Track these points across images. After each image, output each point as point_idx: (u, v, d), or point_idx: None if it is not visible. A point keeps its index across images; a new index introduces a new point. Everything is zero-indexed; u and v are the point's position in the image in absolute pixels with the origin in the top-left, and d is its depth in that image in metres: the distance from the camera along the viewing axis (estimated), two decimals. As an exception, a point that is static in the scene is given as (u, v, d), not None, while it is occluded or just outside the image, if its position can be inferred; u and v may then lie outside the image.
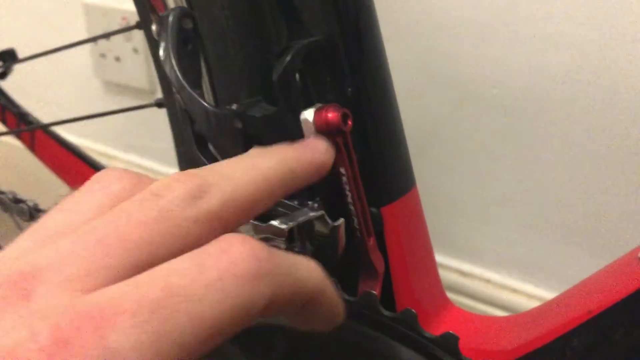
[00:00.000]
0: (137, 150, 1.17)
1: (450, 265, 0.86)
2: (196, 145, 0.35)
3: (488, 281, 0.86)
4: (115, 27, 1.05)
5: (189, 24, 0.35)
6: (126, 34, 1.04)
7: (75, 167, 0.64)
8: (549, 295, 0.81)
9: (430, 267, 0.40)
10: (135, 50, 1.05)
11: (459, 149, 0.80)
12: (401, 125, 0.38)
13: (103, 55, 1.09)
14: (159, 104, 0.45)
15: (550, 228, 0.78)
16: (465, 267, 0.87)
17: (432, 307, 0.39)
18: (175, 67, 0.34)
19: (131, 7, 1.10)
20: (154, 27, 0.36)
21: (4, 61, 0.70)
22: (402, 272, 0.38)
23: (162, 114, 1.12)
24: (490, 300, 0.86)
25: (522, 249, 0.81)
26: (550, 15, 0.68)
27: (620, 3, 0.64)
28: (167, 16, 0.35)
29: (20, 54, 0.74)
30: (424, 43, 0.76)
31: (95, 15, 1.08)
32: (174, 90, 0.34)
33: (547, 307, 0.36)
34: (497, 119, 0.76)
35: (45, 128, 0.60)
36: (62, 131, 0.72)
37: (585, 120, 0.70)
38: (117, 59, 1.08)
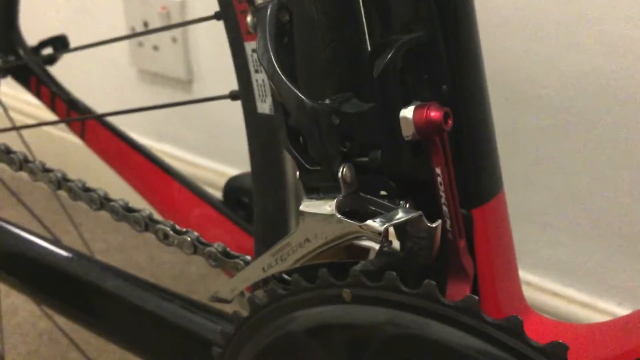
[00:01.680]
0: (170, 140, 1.16)
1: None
2: (289, 139, 0.34)
3: (529, 284, 0.85)
4: (154, 17, 1.05)
5: (285, 17, 0.35)
6: (164, 22, 1.04)
7: (127, 156, 0.64)
8: (590, 300, 0.80)
9: (514, 273, 0.39)
10: (174, 40, 1.04)
11: (507, 149, 0.78)
12: (493, 126, 0.37)
13: (141, 44, 1.08)
14: (233, 96, 0.44)
15: (596, 232, 0.77)
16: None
17: (517, 313, 0.38)
18: (274, 60, 0.33)
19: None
20: (249, 19, 0.35)
21: (55, 48, 0.70)
22: (489, 277, 0.37)
23: (197, 105, 1.11)
24: (531, 303, 0.85)
25: (565, 252, 0.80)
26: (606, 17, 0.67)
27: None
28: (265, 8, 0.34)
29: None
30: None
31: (133, 3, 1.07)
32: (271, 82, 0.34)
33: (631, 320, 0.35)
34: (546, 120, 0.75)
35: (99, 118, 0.59)
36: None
37: (638, 124, 0.69)
38: (155, 48, 1.07)
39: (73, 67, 1.20)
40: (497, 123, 0.78)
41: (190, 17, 1.03)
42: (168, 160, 1.18)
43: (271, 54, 0.34)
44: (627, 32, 0.66)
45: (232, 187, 0.61)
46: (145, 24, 1.06)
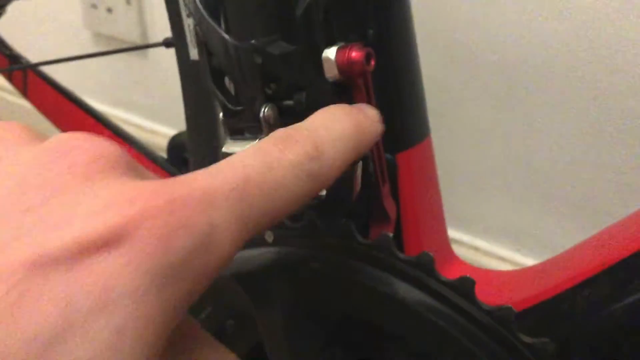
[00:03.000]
0: (124, 105, 1.15)
1: (440, 232, 0.87)
2: (212, 78, 0.34)
3: (476, 249, 0.87)
4: (109, -23, 1.03)
5: (210, -46, 0.34)
6: (120, -16, 1.02)
7: (69, 110, 0.63)
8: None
9: (439, 218, 0.40)
10: (128, 2, 1.02)
11: (453, 114, 0.79)
12: (420, 71, 0.38)
13: (94, 6, 1.06)
14: (167, 44, 0.43)
15: (542, 198, 0.78)
16: (454, 234, 0.87)
17: (440, 256, 0.39)
18: (196, -2, 0.33)
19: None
20: (172, -44, 0.35)
21: (-2, 1, 0.68)
22: (413, 221, 0.37)
23: (151, 69, 1.10)
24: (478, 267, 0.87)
25: (512, 217, 0.82)
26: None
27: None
28: (188, -56, 0.33)
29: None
30: (425, 7, 0.75)
31: (87, -37, 1.04)
32: (194, 21, 0.33)
33: (556, 261, 0.36)
34: (494, 86, 0.76)
35: (34, 67, 0.58)
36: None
37: (582, 91, 0.70)
38: (109, 10, 1.05)
39: (26, 30, 1.17)
40: (448, 87, 0.79)
41: (144, -22, 1.02)
42: (124, 126, 1.17)
43: (193, -9, 0.33)
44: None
45: (175, 144, 0.60)
46: (99, -15, 1.04)
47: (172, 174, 0.60)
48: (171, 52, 1.08)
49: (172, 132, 1.16)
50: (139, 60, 1.08)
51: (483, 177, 0.81)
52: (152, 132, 1.12)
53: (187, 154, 0.59)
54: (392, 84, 0.36)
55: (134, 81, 1.11)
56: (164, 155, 0.64)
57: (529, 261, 0.83)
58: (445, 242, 0.40)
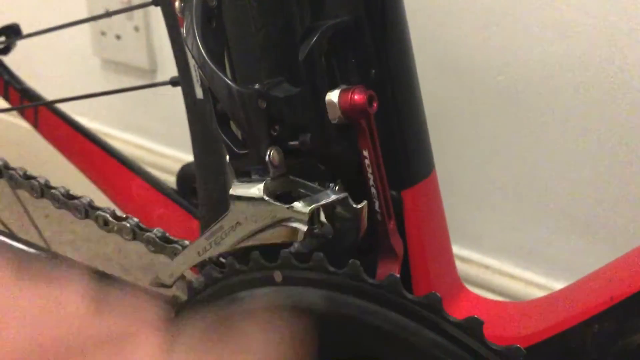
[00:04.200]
0: (134, 129, 1.16)
1: (451, 251, 0.87)
2: (218, 123, 0.35)
3: (487, 267, 0.86)
4: (116, 4, 1.04)
5: (213, 2, 0.35)
6: (128, 12, 1.03)
7: (80, 144, 0.64)
8: (547, 282, 0.82)
9: (446, 252, 0.40)
10: (137, 29, 1.04)
11: (463, 135, 0.80)
12: (423, 108, 0.38)
13: (103, 33, 1.07)
14: (173, 83, 0.44)
15: (552, 216, 0.78)
16: (465, 252, 0.87)
17: (448, 291, 0.39)
18: (200, 45, 0.34)
19: (133, -15, 1.07)
20: (177, 4, 0.35)
21: (7, 36, 0.69)
22: (420, 256, 0.38)
23: (160, 94, 1.11)
24: (489, 286, 0.87)
25: (523, 236, 0.82)
26: (558, 3, 0.68)
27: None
28: (192, -8, 0.34)
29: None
30: (429, 28, 0.75)
31: (95, -9, 1.06)
32: (198, 68, 0.34)
33: (565, 293, 0.36)
34: (502, 106, 0.76)
35: (49, 105, 0.59)
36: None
37: (590, 109, 0.70)
38: (118, 37, 1.06)
39: (35, 57, 1.19)
40: (457, 109, 0.79)
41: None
42: (132, 150, 1.18)
43: (198, 38, 0.34)
44: (578, 18, 0.67)
45: (184, 175, 0.61)
46: (107, 11, 1.05)
47: (181, 205, 0.60)
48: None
49: (180, 154, 1.18)
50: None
51: (492, 195, 0.81)
52: (162, 155, 1.13)
53: (194, 184, 0.60)
54: (395, 123, 0.36)
55: (143, 106, 1.12)
56: (172, 183, 0.64)
57: (540, 279, 0.83)
58: (453, 275, 0.41)
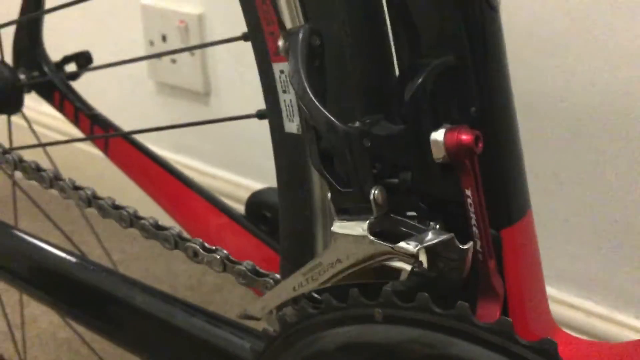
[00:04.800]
0: (186, 150, 1.17)
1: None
2: (321, 161, 0.35)
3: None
4: (173, 30, 1.06)
5: (317, 41, 0.35)
6: (184, 36, 1.05)
7: (151, 171, 0.65)
8: (609, 313, 0.80)
9: (542, 292, 0.39)
10: (192, 53, 1.05)
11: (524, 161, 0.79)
12: (521, 146, 0.38)
13: (159, 57, 1.10)
14: (260, 115, 0.45)
15: (613, 245, 0.77)
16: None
17: (546, 333, 0.38)
18: (305, 84, 0.34)
19: (189, 10, 1.10)
20: (280, 43, 0.36)
21: (78, 64, 0.71)
22: (518, 297, 0.37)
23: (213, 115, 1.12)
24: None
25: (583, 265, 0.80)
26: (627, 30, 0.67)
27: None
28: (297, 33, 0.35)
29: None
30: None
31: (152, 17, 1.08)
32: (303, 105, 0.34)
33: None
34: (564, 134, 0.75)
35: (126, 136, 0.60)
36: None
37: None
38: (173, 61, 1.08)
39: (92, 79, 1.22)
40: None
41: (208, 30, 1.04)
42: (186, 172, 1.20)
43: (303, 77, 0.34)
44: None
45: (255, 201, 0.61)
46: (164, 38, 1.07)
47: (249, 230, 0.61)
48: (231, 100, 1.10)
49: (231, 176, 1.19)
50: (201, 107, 1.11)
51: (554, 223, 0.80)
52: (213, 176, 1.14)
53: (266, 212, 0.60)
54: (496, 161, 0.36)
55: (194, 128, 1.14)
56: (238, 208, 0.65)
57: (600, 309, 0.81)
58: (548, 315, 0.40)
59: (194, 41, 1.04)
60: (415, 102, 0.34)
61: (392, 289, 0.36)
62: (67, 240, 0.70)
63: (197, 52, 1.05)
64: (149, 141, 1.21)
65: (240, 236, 0.60)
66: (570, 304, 0.83)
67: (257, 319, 0.41)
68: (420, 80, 0.34)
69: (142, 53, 1.11)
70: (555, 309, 0.84)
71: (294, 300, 0.40)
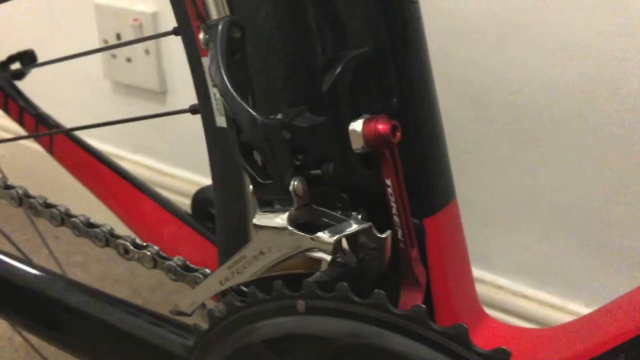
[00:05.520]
0: (144, 150, 1.16)
1: (463, 272, 0.86)
2: (242, 154, 0.35)
3: (500, 287, 0.86)
4: (127, 28, 1.05)
5: (237, 34, 0.35)
6: (137, 34, 1.04)
7: (95, 169, 0.64)
8: (561, 302, 0.82)
9: (468, 280, 0.40)
10: (147, 52, 1.05)
11: (473, 154, 0.80)
12: (444, 135, 0.38)
13: (114, 56, 1.08)
14: (193, 110, 0.45)
15: (564, 235, 0.78)
16: (477, 272, 0.87)
17: (471, 319, 0.39)
18: (225, 77, 0.34)
19: (143, 8, 1.09)
20: (201, 36, 0.36)
21: (23, 63, 0.70)
22: (443, 284, 0.38)
23: (171, 117, 1.11)
24: (502, 306, 0.86)
25: (536, 255, 0.82)
26: (569, 24, 0.68)
27: (639, 12, 0.64)
28: (217, 25, 0.35)
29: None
30: (439, 47, 0.76)
31: (106, 16, 1.07)
32: (222, 99, 0.34)
33: (589, 321, 0.36)
34: (513, 125, 0.76)
35: (67, 133, 0.60)
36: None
37: (602, 129, 0.70)
38: (129, 60, 1.07)
39: (47, 81, 1.20)
40: (468, 128, 0.79)
41: (162, 28, 1.04)
42: (144, 171, 1.18)
43: (222, 70, 0.34)
44: (589, 38, 0.67)
45: (200, 199, 0.61)
46: (118, 36, 1.06)
47: (196, 229, 0.60)
48: (188, 99, 1.09)
49: (190, 175, 1.18)
50: (158, 106, 1.10)
51: (503, 215, 0.81)
52: (172, 176, 1.13)
53: (211, 209, 0.60)
54: (417, 151, 0.37)
55: (152, 127, 1.13)
56: (182, 204, 0.64)
57: (553, 299, 0.82)
58: (475, 301, 0.40)
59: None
60: (333, 93, 0.34)
61: (317, 280, 0.36)
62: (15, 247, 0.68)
63: (152, 50, 1.04)
64: (107, 142, 1.20)
65: (185, 235, 0.60)
66: (524, 295, 0.84)
67: (188, 315, 0.41)
68: (337, 71, 0.34)
69: (97, 55, 1.10)
70: (509, 299, 0.86)
71: (222, 294, 0.40)
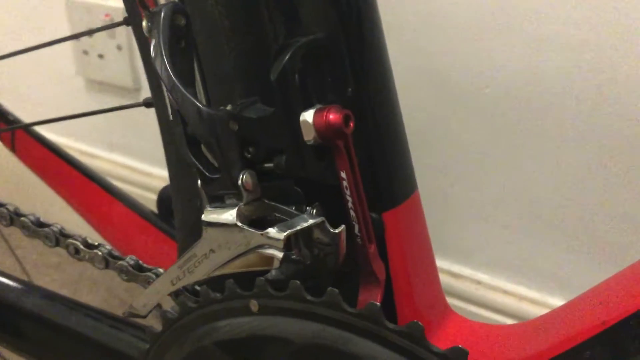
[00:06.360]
0: (120, 149, 1.14)
1: (440, 267, 0.84)
2: (188, 147, 0.33)
3: (479, 283, 0.85)
4: (98, 24, 1.03)
5: (181, 21, 0.33)
6: (110, 31, 1.02)
7: (58, 167, 0.62)
8: (540, 297, 0.81)
9: (432, 274, 0.38)
10: (119, 48, 1.02)
11: (450, 149, 0.78)
12: (403, 127, 0.37)
13: (86, 53, 1.06)
14: (147, 104, 0.43)
15: (542, 229, 0.77)
16: (455, 268, 0.86)
17: (434, 316, 0.37)
18: (168, 66, 0.32)
19: (114, 4, 1.07)
20: (144, 24, 0.34)
21: (-17, 58, 0.67)
22: (404, 280, 0.36)
23: (145, 113, 1.10)
24: (481, 301, 0.85)
25: (514, 250, 0.80)
26: (544, 16, 0.67)
27: (614, 4, 0.63)
28: (159, 12, 0.33)
29: (1, 52, 0.71)
30: (414, 41, 0.74)
31: (77, 11, 1.05)
32: (166, 89, 0.33)
33: (555, 316, 0.35)
34: (490, 119, 0.75)
35: (26, 128, 0.58)
36: (43, 130, 0.69)
37: (578, 121, 0.69)
38: (101, 56, 1.05)
39: (19, 79, 1.17)
40: (444, 122, 0.78)
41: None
42: (118, 169, 1.16)
43: (165, 59, 0.32)
44: (565, 30, 0.66)
45: (165, 197, 0.59)
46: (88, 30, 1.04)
47: (162, 229, 0.59)
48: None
49: (166, 173, 1.16)
50: (131, 103, 1.08)
51: (481, 209, 0.80)
52: (147, 174, 1.11)
53: (176, 207, 0.58)
54: (374, 143, 0.35)
55: (127, 125, 1.11)
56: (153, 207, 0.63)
57: (532, 293, 0.81)
58: (439, 297, 0.39)
59: (120, 35, 1.01)
60: (283, 82, 0.33)
61: (271, 278, 0.34)
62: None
63: (125, 47, 1.02)
64: (82, 140, 1.18)
65: (150, 234, 0.58)
66: (504, 290, 0.83)
67: (143, 317, 0.39)
68: (286, 58, 0.32)
69: (67, 48, 1.08)
70: (488, 295, 0.85)
71: (175, 294, 0.38)
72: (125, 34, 1.01)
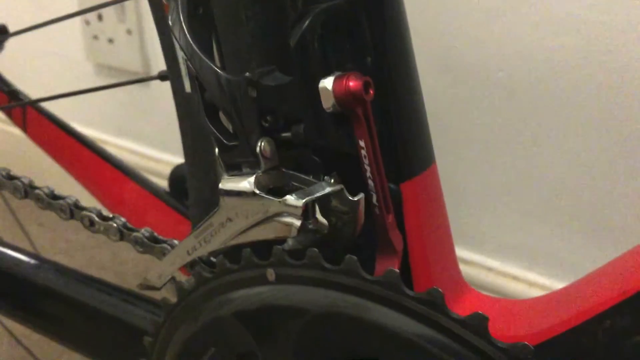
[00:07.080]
0: (128, 134, 1.14)
1: (452, 253, 0.85)
2: (205, 114, 0.33)
3: (489, 269, 0.85)
4: (108, 9, 1.03)
5: (199, -14, 0.33)
6: (120, 15, 1.02)
7: (69, 146, 0.62)
8: (551, 283, 0.80)
9: (448, 247, 0.38)
10: (129, 32, 1.02)
11: (462, 133, 0.78)
12: (422, 98, 0.36)
13: (96, 37, 1.06)
14: (162, 77, 0.43)
15: (554, 215, 0.76)
16: (466, 254, 0.85)
17: (451, 288, 0.37)
18: (187, 32, 0.32)
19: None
20: (162, -10, 0.34)
21: (-6, 37, 0.68)
22: (421, 251, 0.36)
23: (154, 98, 1.10)
24: (492, 288, 0.85)
25: (525, 236, 0.80)
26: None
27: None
28: (177, -23, 0.33)
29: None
30: (428, 24, 0.74)
31: (87, -5, 1.05)
32: (185, 56, 0.32)
33: (574, 289, 0.35)
34: (503, 103, 0.74)
35: (34, 104, 0.57)
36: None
37: (593, 105, 0.68)
38: (110, 41, 1.05)
39: (29, 64, 1.17)
40: (457, 107, 0.77)
41: (144, 7, 1.01)
42: (127, 155, 1.16)
43: (184, 26, 0.32)
44: (579, 12, 0.65)
45: (176, 176, 0.59)
46: (100, 16, 1.04)
47: (173, 206, 0.59)
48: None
49: (175, 159, 1.16)
50: (141, 89, 1.08)
51: (493, 195, 0.80)
52: (156, 160, 1.11)
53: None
54: (393, 112, 0.35)
55: (137, 110, 1.11)
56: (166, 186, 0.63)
57: (543, 280, 0.81)
58: (455, 271, 0.39)
59: (131, 19, 1.01)
60: (302, 50, 0.32)
61: (288, 248, 0.34)
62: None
63: (135, 31, 1.02)
64: (91, 126, 1.18)
65: (162, 212, 0.58)
66: (514, 276, 0.83)
67: (158, 289, 0.39)
68: (305, 24, 0.32)
69: (77, 33, 1.08)
70: (498, 281, 0.84)
71: (191, 265, 0.38)
72: (135, 18, 1.01)
